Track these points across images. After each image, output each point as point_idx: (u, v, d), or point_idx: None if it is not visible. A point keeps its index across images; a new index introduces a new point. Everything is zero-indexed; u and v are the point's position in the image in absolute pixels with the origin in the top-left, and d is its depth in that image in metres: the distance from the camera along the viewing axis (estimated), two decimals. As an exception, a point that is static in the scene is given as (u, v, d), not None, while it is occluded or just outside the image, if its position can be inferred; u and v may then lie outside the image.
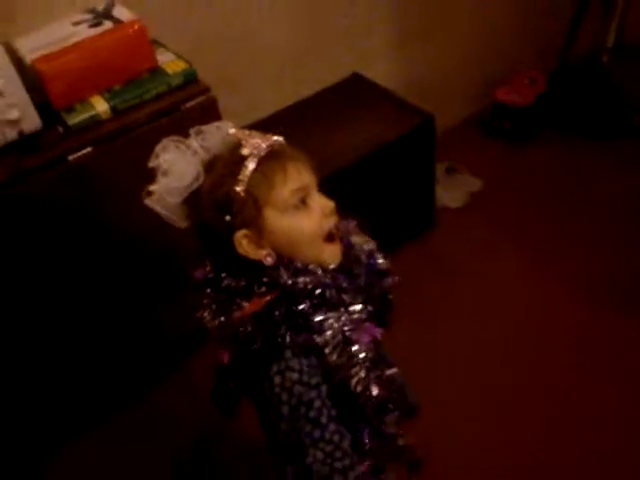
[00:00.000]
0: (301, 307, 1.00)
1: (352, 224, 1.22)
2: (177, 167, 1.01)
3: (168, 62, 1.75)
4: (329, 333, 1.00)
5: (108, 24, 1.72)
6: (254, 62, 2.23)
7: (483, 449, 1.88)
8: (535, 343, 2.16)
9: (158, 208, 1.04)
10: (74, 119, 1.60)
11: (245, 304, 1.02)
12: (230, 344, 1.05)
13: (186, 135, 1.04)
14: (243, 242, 1.02)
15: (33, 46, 1.65)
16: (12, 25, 1.71)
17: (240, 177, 1.00)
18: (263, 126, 1.23)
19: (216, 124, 1.06)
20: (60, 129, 1.62)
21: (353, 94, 2.41)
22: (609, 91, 2.91)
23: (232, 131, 1.05)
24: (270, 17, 2.19)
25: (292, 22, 2.26)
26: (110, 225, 1.75)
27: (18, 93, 1.52)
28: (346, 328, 1.01)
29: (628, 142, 2.86)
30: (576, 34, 2.86)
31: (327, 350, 1.00)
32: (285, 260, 1.03)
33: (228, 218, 1.01)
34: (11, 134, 1.53)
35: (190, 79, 1.72)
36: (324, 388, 0.99)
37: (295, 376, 0.98)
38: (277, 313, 1.00)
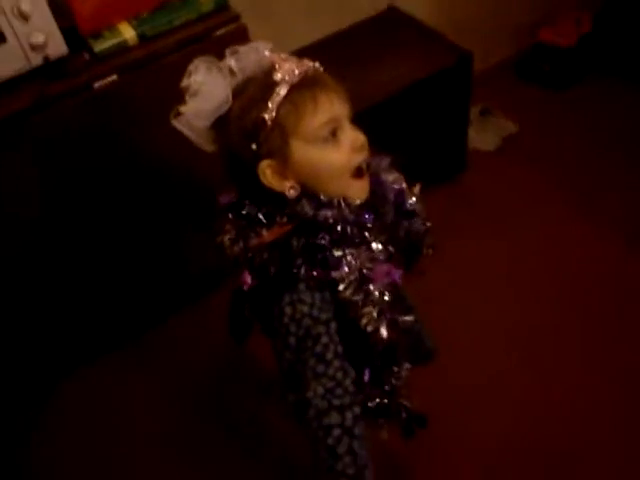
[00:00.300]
0: (320, 241, 0.99)
1: (385, 161, 1.19)
2: (206, 89, 0.98)
3: (199, -12, 1.69)
4: (346, 269, 0.99)
5: (138, -54, 1.66)
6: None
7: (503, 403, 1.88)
8: (570, 286, 2.14)
9: (185, 130, 1.02)
10: (101, 45, 1.57)
11: (264, 232, 1.01)
12: (247, 270, 1.05)
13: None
14: (267, 172, 1.00)
15: (61, -33, 1.60)
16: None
17: (269, 104, 0.96)
18: (294, 58, 1.17)
19: (254, 44, 1.02)
20: (86, 55, 1.58)
21: (389, 28, 2.32)
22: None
23: (268, 53, 1.01)
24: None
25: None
26: (135, 153, 1.73)
27: (44, 17, 1.47)
28: (365, 266, 1.00)
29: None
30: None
31: (342, 286, 0.99)
32: (309, 193, 1.01)
33: (254, 146, 0.98)
34: (36, 59, 1.50)
35: (221, 5, 1.67)
36: (333, 324, 0.99)
37: (305, 309, 0.97)
38: (295, 244, 0.99)
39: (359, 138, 1.03)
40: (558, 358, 1.96)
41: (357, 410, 0.98)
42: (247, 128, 0.98)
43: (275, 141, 0.98)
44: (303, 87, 0.97)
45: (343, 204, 1.01)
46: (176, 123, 1.02)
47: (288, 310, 0.98)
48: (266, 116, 0.96)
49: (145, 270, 2.00)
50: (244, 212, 1.04)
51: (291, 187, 1.00)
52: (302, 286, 0.98)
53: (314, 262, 0.98)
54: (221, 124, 1.00)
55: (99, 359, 2.07)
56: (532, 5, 2.84)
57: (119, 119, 1.64)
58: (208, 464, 1.85)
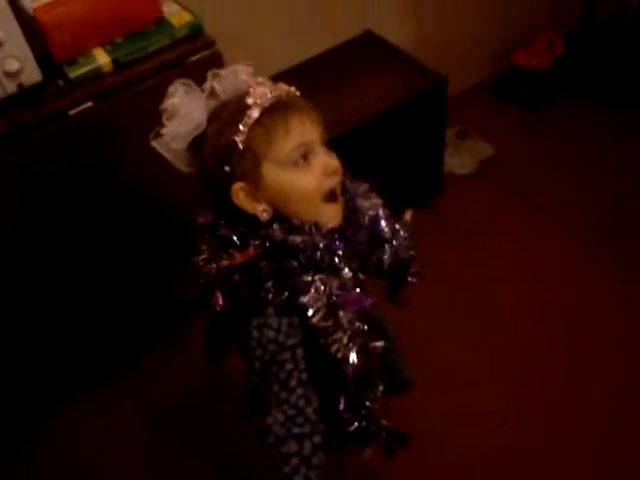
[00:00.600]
0: (289, 265, 0.99)
1: (363, 187, 1.19)
2: (183, 111, 0.99)
3: (173, 13, 1.69)
4: (313, 294, 0.99)
5: (113, -27, 1.66)
6: (262, 16, 2.16)
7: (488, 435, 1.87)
8: (547, 309, 2.15)
9: (163, 152, 1.03)
10: (75, 72, 1.56)
11: (236, 254, 1.01)
12: (220, 292, 1.05)
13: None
14: (240, 194, 1.00)
15: (35, -6, 1.60)
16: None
17: (241, 127, 0.97)
18: (270, 83, 1.18)
19: (234, 68, 1.03)
20: (61, 82, 1.57)
21: (364, 53, 2.34)
22: (632, 55, 2.81)
23: (244, 77, 1.02)
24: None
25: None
26: (111, 180, 1.72)
27: (19, 44, 1.46)
28: (334, 292, 1.00)
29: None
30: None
31: (310, 312, 0.99)
32: (281, 217, 1.01)
33: (227, 169, 0.99)
34: (11, 87, 1.49)
35: (195, 32, 1.67)
36: (300, 351, 0.99)
37: (271, 334, 0.98)
38: (265, 267, 0.99)
39: (331, 163, 1.03)
40: (537, 380, 1.96)
41: (317, 439, 0.99)
42: (220, 151, 0.99)
43: (247, 164, 0.99)
44: (275, 111, 0.99)
45: (314, 229, 1.01)
46: (155, 144, 1.03)
47: (255, 334, 0.98)
48: (238, 139, 0.97)
49: (123, 301, 1.97)
50: (219, 233, 1.04)
51: (263, 210, 1.01)
52: (270, 310, 0.98)
53: (283, 286, 0.98)
54: (198, 146, 1.02)
55: (80, 394, 2.04)
56: (506, 28, 2.88)
57: (95, 146, 1.63)
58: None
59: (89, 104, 1.55)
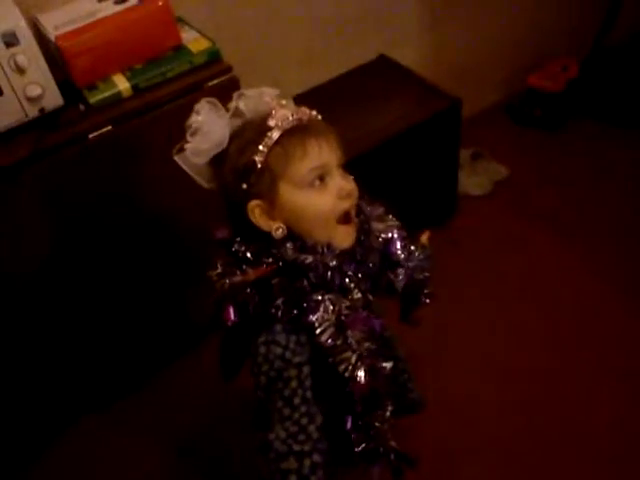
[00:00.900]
0: (300, 284, 1.01)
1: (378, 210, 1.22)
2: (205, 129, 1.02)
3: (192, 40, 1.74)
4: (322, 313, 1.00)
5: (133, 0, 1.70)
6: (279, 42, 2.20)
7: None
8: (562, 329, 2.13)
9: (185, 166, 1.06)
10: (95, 97, 1.59)
11: (250, 270, 1.03)
12: (232, 307, 1.06)
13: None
14: (256, 212, 1.04)
15: (58, 22, 1.64)
16: (38, 0, 1.70)
17: (261, 147, 1.00)
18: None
19: (260, 90, 1.07)
20: (81, 107, 1.61)
21: (379, 77, 2.36)
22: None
23: (267, 99, 1.05)
24: (297, -4, 2.16)
25: (318, 2, 2.21)
26: (129, 202, 1.74)
27: (40, 70, 1.51)
28: (343, 312, 1.02)
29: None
30: (614, 19, 2.77)
31: (318, 330, 1.00)
32: (295, 236, 1.04)
33: (245, 186, 1.02)
34: (32, 111, 1.53)
35: (213, 58, 1.70)
36: (306, 369, 1.01)
37: (279, 351, 0.99)
38: (276, 285, 1.01)
39: (346, 186, 1.06)
40: (551, 405, 1.93)
41: (317, 458, 0.99)
42: (240, 169, 1.02)
43: (264, 183, 1.02)
44: (294, 133, 1.02)
45: (326, 250, 1.03)
46: (177, 158, 1.07)
47: (262, 349, 1.00)
48: (257, 158, 1.01)
49: (141, 320, 1.99)
50: (233, 249, 1.06)
51: (278, 228, 1.03)
52: (278, 327, 1.00)
53: (293, 304, 1.00)
54: (219, 163, 1.05)
55: (96, 411, 2.05)
56: (521, 51, 2.90)
57: (114, 169, 1.66)
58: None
59: (109, 128, 1.58)
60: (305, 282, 1.01)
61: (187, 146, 1.04)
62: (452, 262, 2.32)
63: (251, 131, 1.03)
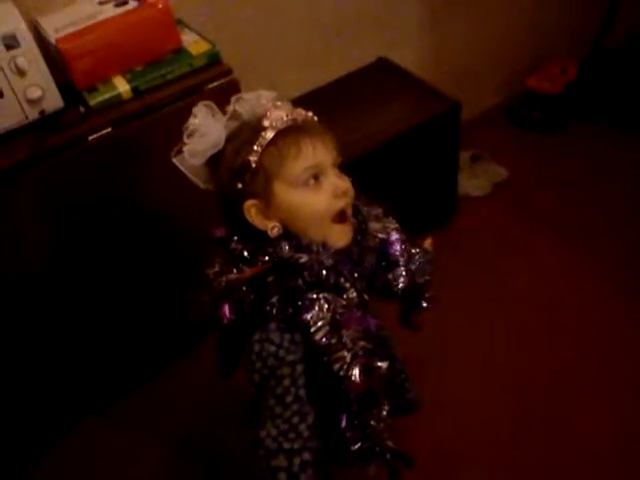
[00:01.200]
0: (295, 282, 1.01)
1: (376, 210, 1.22)
2: (201, 131, 1.04)
3: (192, 43, 1.74)
4: (317, 312, 1.01)
5: (133, 3, 1.70)
6: (278, 44, 2.20)
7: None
8: (562, 329, 2.13)
9: (182, 168, 1.08)
10: (95, 99, 1.60)
11: (246, 269, 1.04)
12: (228, 305, 1.07)
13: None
14: (251, 211, 1.05)
15: (58, 25, 1.64)
16: (39, 3, 1.70)
17: (255, 147, 1.02)
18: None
19: (258, 93, 1.08)
20: (81, 109, 1.61)
21: (378, 79, 2.37)
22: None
23: (264, 102, 1.07)
24: (296, -1, 2.16)
25: (317, 3, 2.22)
26: (130, 205, 1.74)
27: (41, 72, 1.51)
28: (338, 311, 1.03)
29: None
30: (612, 21, 2.78)
31: (313, 329, 1.01)
32: (291, 235, 1.05)
33: (240, 186, 1.04)
34: (32, 114, 1.54)
35: (213, 60, 1.71)
36: (299, 367, 1.01)
37: (272, 349, 1.00)
38: (271, 283, 1.02)
39: (341, 184, 1.07)
40: (551, 406, 1.93)
41: (307, 457, 1.00)
42: (235, 168, 1.04)
43: (259, 183, 1.03)
44: (289, 133, 1.03)
45: (321, 249, 1.04)
46: (175, 160, 1.08)
47: (256, 347, 1.01)
48: (252, 158, 1.02)
49: (140, 320, 1.99)
50: (231, 247, 1.08)
51: (273, 227, 1.04)
52: (272, 325, 1.01)
53: (288, 302, 1.01)
54: (215, 163, 1.06)
55: (97, 411, 2.06)
56: (520, 53, 2.91)
57: (114, 170, 1.66)
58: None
59: (109, 130, 1.59)
60: (300, 281, 1.01)
61: (184, 148, 1.05)
62: (452, 263, 2.32)
63: (247, 132, 1.04)
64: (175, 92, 1.65)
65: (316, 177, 1.04)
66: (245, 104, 1.06)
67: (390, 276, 1.23)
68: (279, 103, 1.07)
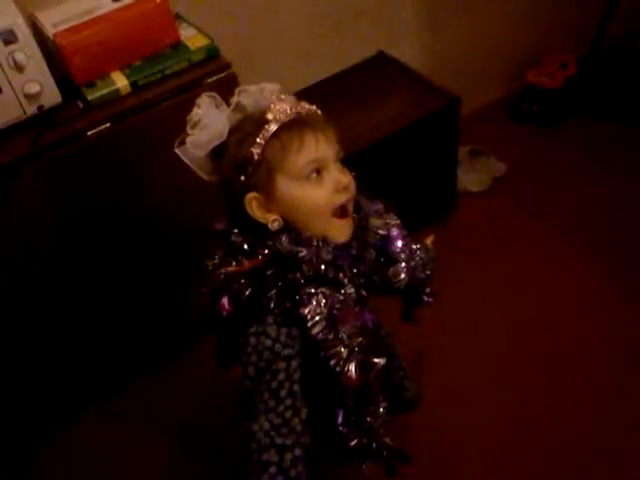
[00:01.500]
0: (293, 276, 1.01)
1: (377, 206, 1.22)
2: (204, 121, 1.03)
3: (190, 37, 1.74)
4: (314, 306, 1.01)
5: (131, -3, 1.70)
6: (277, 38, 2.20)
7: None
8: (563, 324, 2.13)
9: (185, 159, 1.07)
10: (94, 94, 1.60)
11: (245, 261, 1.04)
12: (227, 297, 1.07)
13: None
14: (253, 204, 1.04)
15: (56, 20, 1.64)
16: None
17: (258, 140, 1.01)
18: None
19: (262, 85, 1.07)
20: (80, 104, 1.61)
21: (378, 73, 2.37)
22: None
23: (267, 94, 1.06)
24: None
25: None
26: (128, 200, 1.74)
27: (39, 68, 1.51)
28: (335, 306, 1.02)
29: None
30: (610, 17, 2.77)
31: (310, 323, 1.01)
32: (291, 228, 1.04)
33: (242, 178, 1.03)
34: (31, 109, 1.53)
35: (212, 55, 1.70)
36: (295, 362, 1.01)
37: (268, 342, 1.00)
38: (270, 276, 1.01)
39: (343, 179, 1.06)
40: (551, 404, 1.93)
41: (299, 452, 1.00)
42: (238, 161, 1.03)
43: (262, 175, 1.02)
44: (292, 127, 1.03)
45: (321, 243, 1.04)
46: (178, 151, 1.07)
47: (252, 340, 1.01)
48: (254, 151, 1.01)
49: (138, 317, 1.99)
50: (231, 240, 1.07)
51: (274, 220, 1.04)
52: (270, 319, 1.01)
53: (285, 296, 1.01)
54: (218, 155, 1.06)
55: (95, 407, 2.06)
56: (519, 48, 2.90)
57: (112, 165, 1.66)
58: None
59: (107, 125, 1.59)
60: (298, 275, 1.01)
61: (187, 139, 1.05)
62: (451, 258, 2.30)
63: (250, 124, 1.04)
64: (173, 87, 1.65)
65: (318, 171, 1.04)
66: (249, 96, 1.06)
67: (390, 272, 1.22)
68: (283, 96, 1.07)
